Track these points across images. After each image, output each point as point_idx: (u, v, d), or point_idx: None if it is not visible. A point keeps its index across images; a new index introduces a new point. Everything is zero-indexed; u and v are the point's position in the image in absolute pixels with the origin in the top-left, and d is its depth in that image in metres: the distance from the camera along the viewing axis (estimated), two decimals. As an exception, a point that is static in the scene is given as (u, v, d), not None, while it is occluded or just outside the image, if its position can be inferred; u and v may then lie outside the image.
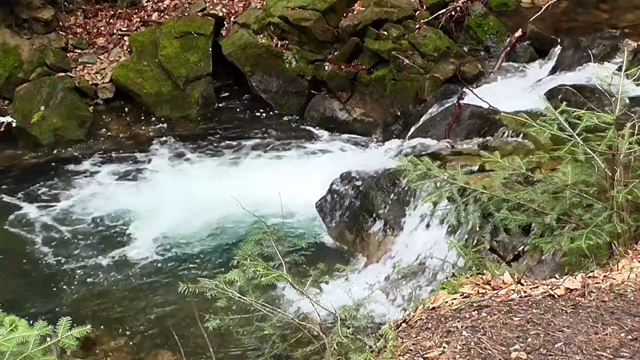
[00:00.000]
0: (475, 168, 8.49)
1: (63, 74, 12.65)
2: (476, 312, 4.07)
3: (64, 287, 9.18)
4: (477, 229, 6.57)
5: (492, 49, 12.18)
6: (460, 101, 10.63)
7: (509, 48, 11.86)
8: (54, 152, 11.94)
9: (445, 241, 7.89)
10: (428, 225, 8.68)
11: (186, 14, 13.30)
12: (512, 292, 4.28)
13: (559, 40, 11.61)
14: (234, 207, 6.82)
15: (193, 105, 12.73)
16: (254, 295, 4.92)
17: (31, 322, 3.83)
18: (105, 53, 13.13)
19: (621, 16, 11.92)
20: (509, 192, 5.55)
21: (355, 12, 12.73)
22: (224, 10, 13.44)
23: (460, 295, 4.34)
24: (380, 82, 12.12)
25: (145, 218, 10.23)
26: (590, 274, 4.50)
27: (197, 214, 10.22)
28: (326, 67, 12.42)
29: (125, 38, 13.23)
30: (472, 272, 4.70)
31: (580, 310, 4.03)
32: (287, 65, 12.53)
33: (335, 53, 12.49)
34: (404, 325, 4.17)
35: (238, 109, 12.94)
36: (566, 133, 5.12)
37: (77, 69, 12.88)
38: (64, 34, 13.15)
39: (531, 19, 11.88)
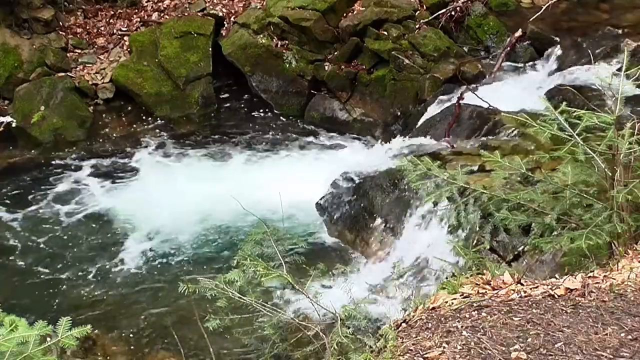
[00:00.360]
0: (475, 168, 8.49)
1: (63, 74, 12.65)
2: (476, 312, 4.07)
3: (65, 287, 9.18)
4: (477, 229, 6.57)
5: (492, 49, 12.17)
6: (460, 101, 10.63)
7: (509, 48, 11.85)
8: (54, 152, 11.93)
9: (445, 241, 7.90)
10: (428, 225, 8.69)
11: (186, 14, 13.30)
12: (512, 292, 4.28)
13: (559, 40, 11.61)
14: (234, 206, 6.82)
15: (193, 105, 12.73)
16: (254, 295, 4.92)
17: (31, 322, 3.83)
18: (105, 53, 13.13)
19: (621, 16, 11.92)
20: (509, 192, 5.55)
21: (355, 12, 12.73)
22: (224, 10, 13.44)
23: (460, 295, 4.34)
24: (380, 82, 12.12)
25: (146, 218, 10.23)
26: (590, 274, 4.50)
27: (198, 214, 10.23)
28: (326, 67, 12.42)
29: (125, 38, 13.23)
30: (472, 272, 4.70)
31: (580, 310, 4.03)
32: (287, 65, 12.53)
33: (335, 53, 12.49)
34: (404, 325, 4.17)
35: (238, 109, 12.94)
36: (566, 133, 5.12)
37: (77, 69, 12.88)
38: (64, 34, 13.15)
39: (531, 19, 11.88)
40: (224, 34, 13.13)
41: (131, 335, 8.38)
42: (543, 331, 3.84)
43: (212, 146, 11.96)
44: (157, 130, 12.40)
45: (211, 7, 13.47)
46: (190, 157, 11.73)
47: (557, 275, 4.67)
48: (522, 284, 4.40)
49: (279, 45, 12.64)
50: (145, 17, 13.54)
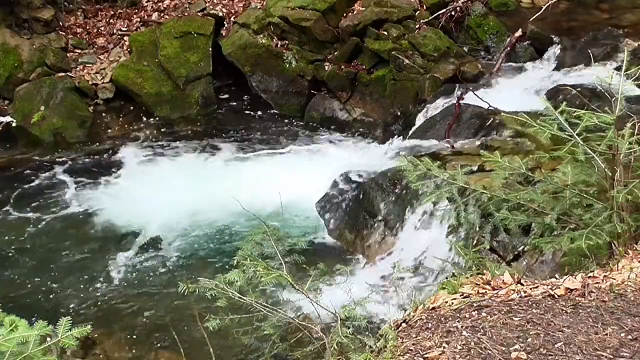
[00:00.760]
0: (475, 168, 8.49)
1: (63, 74, 12.65)
2: (476, 312, 4.07)
3: (64, 287, 9.17)
4: (477, 229, 6.57)
5: (492, 49, 12.18)
6: (460, 101, 10.63)
7: (509, 48, 11.86)
8: (54, 152, 11.93)
9: (445, 241, 7.90)
10: (428, 225, 8.68)
11: (186, 14, 13.30)
12: (512, 292, 4.28)
13: (558, 40, 11.61)
14: (234, 206, 6.82)
15: (193, 105, 12.74)
16: (254, 295, 4.92)
17: (31, 322, 3.83)
18: (105, 53, 13.13)
19: (621, 16, 11.93)
20: (509, 192, 5.55)
21: (355, 12, 12.73)
22: (224, 10, 13.44)
23: (460, 295, 4.34)
24: (380, 82, 12.12)
25: (146, 217, 10.23)
26: (590, 274, 4.50)
27: (198, 214, 10.23)
28: (326, 67, 12.42)
29: (125, 38, 13.23)
30: (472, 272, 4.70)
31: (580, 310, 4.03)
32: (287, 65, 12.54)
33: (335, 53, 12.49)
34: (404, 325, 4.17)
35: (238, 109, 12.94)
36: (566, 133, 5.11)
37: (77, 69, 12.88)
38: (64, 34, 13.15)
39: (531, 19, 11.88)
40: (224, 34, 13.14)
41: (131, 335, 8.38)
42: (543, 331, 3.84)
43: (212, 146, 11.96)
44: (157, 131, 12.40)
45: (211, 7, 13.48)
46: (189, 157, 11.73)
47: (557, 275, 4.67)
48: (522, 284, 4.40)
49: (279, 45, 12.64)
50: (145, 17, 13.54)
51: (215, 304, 4.94)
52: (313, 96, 12.57)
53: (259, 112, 12.77)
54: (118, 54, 13.09)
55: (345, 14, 12.73)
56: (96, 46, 13.19)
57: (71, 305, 8.80)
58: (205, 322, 4.99)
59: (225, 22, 13.25)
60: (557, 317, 3.96)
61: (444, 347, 3.76)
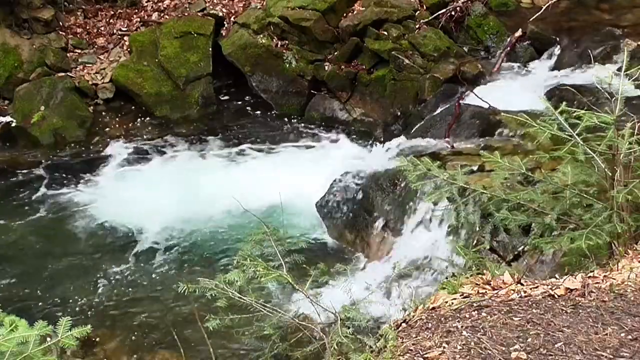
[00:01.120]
0: (475, 168, 8.49)
1: (63, 74, 12.65)
2: (476, 312, 4.07)
3: (64, 287, 9.17)
4: (477, 229, 6.57)
5: (492, 49, 12.18)
6: (460, 101, 10.62)
7: (509, 48, 11.86)
8: (54, 152, 11.93)
9: (445, 241, 7.90)
10: (428, 225, 8.68)
11: (186, 14, 13.30)
12: (512, 292, 4.28)
13: (558, 40, 11.61)
14: (234, 206, 6.83)
15: (193, 105, 12.74)
16: (253, 295, 4.92)
17: (31, 322, 3.83)
18: (105, 53, 13.14)
19: (621, 16, 11.92)
20: (509, 192, 5.55)
21: (355, 12, 12.73)
22: (224, 10, 13.44)
23: (460, 295, 4.34)
24: (380, 82, 12.12)
25: (146, 217, 10.22)
26: (590, 274, 4.50)
27: (198, 214, 10.23)
28: (326, 67, 12.42)
29: (125, 38, 13.23)
30: (472, 272, 4.70)
31: (580, 310, 4.03)
32: (287, 65, 12.54)
33: (335, 53, 12.49)
34: (404, 325, 4.17)
35: (238, 109, 12.94)
36: (566, 133, 5.11)
37: (77, 69, 12.88)
38: (64, 34, 13.15)
39: (531, 19, 11.88)
40: (224, 34, 13.14)
41: (131, 335, 8.38)
42: (543, 331, 3.84)
43: (212, 146, 11.96)
44: (157, 130, 12.40)
45: (211, 7, 13.48)
46: (189, 157, 11.73)
47: (557, 275, 4.67)
48: (522, 284, 4.40)
49: (279, 45, 12.64)
50: (145, 17, 13.54)
51: (215, 304, 4.94)
52: (313, 96, 12.57)
53: (259, 112, 12.77)
54: (118, 54, 13.09)
55: (345, 14, 12.73)
56: (96, 46, 13.20)
57: (71, 305, 8.80)
58: (205, 322, 4.99)
59: (225, 22, 13.25)
60: (557, 317, 3.96)
61: (444, 347, 3.76)
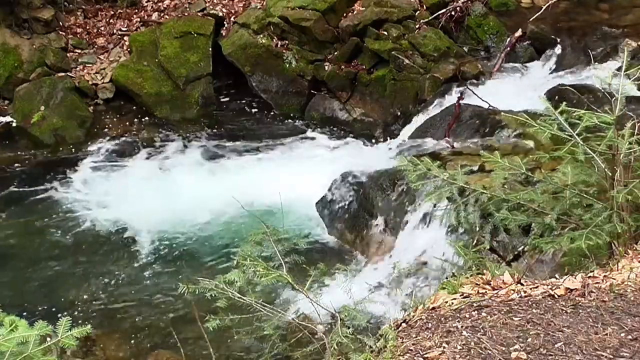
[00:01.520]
0: (475, 168, 8.49)
1: (63, 74, 12.65)
2: (476, 312, 4.07)
3: (64, 287, 9.18)
4: (477, 229, 6.57)
5: (492, 49, 12.18)
6: (460, 101, 10.63)
7: (509, 48, 11.86)
8: (54, 152, 11.93)
9: (445, 241, 7.90)
10: (428, 225, 8.68)
11: (186, 14, 13.30)
12: (512, 292, 4.28)
13: (559, 40, 11.61)
14: (234, 206, 6.82)
15: (193, 105, 12.74)
16: (254, 295, 4.92)
17: (31, 322, 3.83)
18: (105, 53, 13.14)
19: (621, 16, 11.93)
20: (509, 192, 5.55)
21: (355, 12, 12.73)
22: (224, 10, 13.44)
23: (460, 295, 4.34)
24: (380, 82, 12.12)
25: (146, 218, 10.22)
26: (590, 274, 4.50)
27: (198, 214, 10.23)
28: (326, 67, 12.42)
29: (125, 38, 13.23)
30: (472, 272, 4.70)
31: (580, 310, 4.03)
32: (287, 65, 12.53)
33: (335, 53, 12.49)
34: (404, 325, 4.17)
35: (238, 109, 12.94)
36: (566, 133, 5.11)
37: (77, 69, 12.88)
38: (64, 34, 13.15)
39: (531, 19, 11.88)
40: (224, 34, 13.14)
41: (131, 335, 8.38)
42: (543, 331, 3.84)
43: (212, 146, 11.96)
44: (157, 131, 12.39)
45: (211, 7, 13.48)
46: (189, 156, 11.73)
47: (557, 275, 4.67)
48: (522, 284, 4.40)
49: (279, 45, 12.64)
50: (145, 17, 13.54)
51: (215, 304, 4.94)
52: (313, 96, 12.57)
53: (259, 112, 12.77)
54: (118, 54, 13.09)
55: (345, 14, 12.73)
56: (96, 46, 13.20)
57: (71, 305, 8.80)
58: (205, 322, 4.99)
59: (225, 22, 13.25)
60: (557, 317, 3.96)
61: (444, 347, 3.76)
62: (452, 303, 4.21)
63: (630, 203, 5.12)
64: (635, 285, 4.26)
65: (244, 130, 12.38)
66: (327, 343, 4.65)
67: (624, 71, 5.55)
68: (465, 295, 4.33)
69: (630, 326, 3.87)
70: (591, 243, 4.84)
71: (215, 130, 12.39)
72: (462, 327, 3.92)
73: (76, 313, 8.57)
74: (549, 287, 4.28)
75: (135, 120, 12.62)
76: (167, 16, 13.41)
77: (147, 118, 12.65)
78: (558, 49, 11.51)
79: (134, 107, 12.78)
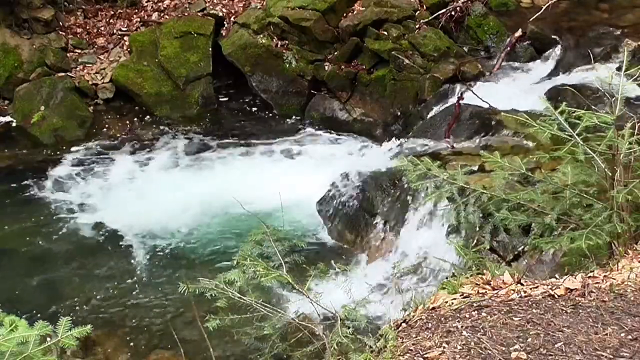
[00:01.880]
0: (475, 168, 8.49)
1: (63, 74, 12.66)
2: (476, 312, 4.07)
3: (64, 287, 9.17)
4: (477, 229, 6.57)
5: (492, 49, 12.18)
6: (460, 101, 10.62)
7: (509, 48, 11.86)
8: (54, 152, 11.93)
9: (445, 241, 7.90)
10: (428, 225, 8.69)
11: (186, 14, 13.30)
12: (512, 292, 4.28)
13: (559, 40, 11.61)
14: (233, 206, 6.82)
15: (193, 105, 12.74)
16: (254, 295, 4.92)
17: (31, 322, 3.83)
18: (105, 53, 13.14)
19: (621, 16, 11.92)
20: (509, 192, 5.55)
21: (355, 12, 12.73)
22: (224, 10, 13.44)
23: (460, 295, 4.34)
24: (380, 82, 12.12)
25: (146, 218, 10.23)
26: (590, 274, 4.50)
27: (198, 214, 10.23)
28: (326, 67, 12.42)
29: (125, 38, 13.24)
30: (472, 272, 4.70)
31: (580, 310, 4.03)
32: (287, 65, 12.53)
33: (335, 53, 12.49)
34: (404, 325, 4.17)
35: (238, 109, 12.95)
36: (566, 133, 5.11)
37: (77, 69, 12.88)
38: (64, 34, 13.16)
39: (531, 19, 11.88)
40: (224, 34, 13.14)
41: (131, 335, 8.38)
42: (543, 331, 3.84)
43: (212, 146, 11.96)
44: (157, 131, 12.39)
45: (211, 7, 13.48)
46: (189, 156, 11.73)
47: (557, 275, 4.67)
48: (522, 284, 4.40)
49: (279, 45, 12.64)
50: (145, 17, 13.55)
51: (215, 304, 4.94)
52: (313, 96, 12.57)
53: (259, 112, 12.78)
54: (118, 54, 13.09)
55: (345, 14, 12.73)
56: (96, 46, 13.20)
57: (71, 306, 8.80)
58: (205, 322, 4.98)
59: (225, 22, 13.25)
60: (557, 317, 3.96)
61: (444, 347, 3.76)
62: (452, 303, 4.21)
63: (630, 203, 5.12)
64: (635, 285, 4.26)
65: (243, 130, 12.38)
66: (327, 343, 4.65)
67: (624, 71, 5.55)
68: (465, 295, 4.33)
69: (630, 326, 3.87)
70: (591, 243, 4.84)
71: (215, 131, 12.39)
72: (462, 327, 3.92)
73: (76, 313, 8.57)
74: (549, 287, 4.28)
75: (136, 120, 12.62)
76: (167, 16, 13.41)
77: (147, 118, 12.65)
78: (558, 49, 11.50)
79: (134, 107, 12.79)
